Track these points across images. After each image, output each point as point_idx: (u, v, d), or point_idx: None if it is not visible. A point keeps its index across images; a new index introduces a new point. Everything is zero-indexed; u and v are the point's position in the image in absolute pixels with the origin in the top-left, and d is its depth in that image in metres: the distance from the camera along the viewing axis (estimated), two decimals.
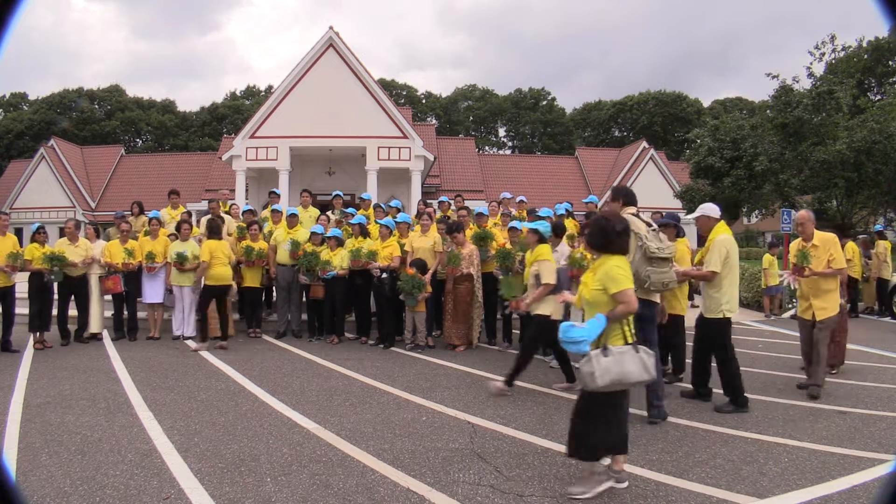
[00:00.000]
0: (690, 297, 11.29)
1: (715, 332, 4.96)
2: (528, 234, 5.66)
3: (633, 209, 4.56)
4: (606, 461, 3.32)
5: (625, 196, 4.65)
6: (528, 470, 3.53)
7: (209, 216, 8.38)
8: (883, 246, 11.14)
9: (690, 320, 9.24)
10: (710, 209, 5.20)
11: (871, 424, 4.48)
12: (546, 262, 5.27)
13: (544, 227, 5.56)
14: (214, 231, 7.55)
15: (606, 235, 3.29)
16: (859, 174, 14.08)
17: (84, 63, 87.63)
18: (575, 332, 3.06)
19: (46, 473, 3.43)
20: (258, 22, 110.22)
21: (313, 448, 3.88)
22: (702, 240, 7.49)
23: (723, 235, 4.97)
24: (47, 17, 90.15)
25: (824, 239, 5.51)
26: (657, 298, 4.59)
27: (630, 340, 3.17)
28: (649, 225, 4.46)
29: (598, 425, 3.16)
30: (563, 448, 3.86)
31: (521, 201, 10.02)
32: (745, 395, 4.87)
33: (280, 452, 3.79)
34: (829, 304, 5.44)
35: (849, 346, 7.98)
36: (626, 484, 3.28)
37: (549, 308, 5.19)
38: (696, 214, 5.29)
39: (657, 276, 4.27)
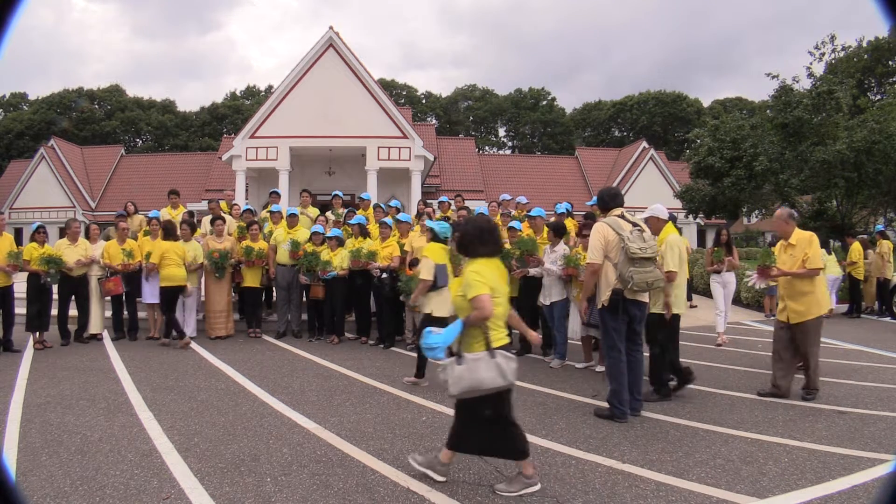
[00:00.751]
0: (689, 297, 11.36)
1: (660, 326, 5.09)
2: (426, 232, 5.73)
3: (618, 211, 4.65)
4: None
5: (600, 202, 4.79)
6: None
7: (165, 217, 8.45)
8: (886, 245, 11.16)
9: (689, 321, 9.28)
10: (660, 210, 5.31)
11: (871, 424, 4.47)
12: (426, 259, 5.31)
13: (440, 226, 5.58)
14: (169, 232, 7.59)
15: (466, 240, 3.28)
16: (859, 174, 14.07)
17: (84, 63, 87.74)
18: (431, 338, 3.05)
19: (46, 473, 3.43)
20: (259, 21, 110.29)
21: (313, 448, 3.88)
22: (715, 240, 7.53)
23: (673, 235, 5.12)
24: (48, 17, 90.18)
25: (800, 238, 5.21)
26: (645, 298, 4.63)
27: (492, 346, 3.09)
28: (636, 225, 4.52)
29: (473, 429, 3.19)
30: (563, 448, 3.88)
31: (520, 203, 9.89)
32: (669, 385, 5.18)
33: (280, 452, 3.79)
34: (804, 308, 5.13)
35: (849, 346, 8.02)
36: (537, 486, 3.18)
37: (430, 307, 5.31)
38: (645, 215, 5.36)
39: (640, 276, 4.34)
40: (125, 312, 8.01)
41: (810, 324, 5.15)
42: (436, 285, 5.24)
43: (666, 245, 5.03)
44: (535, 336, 3.77)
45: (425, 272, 5.25)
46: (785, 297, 5.32)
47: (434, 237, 5.56)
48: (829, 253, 11.50)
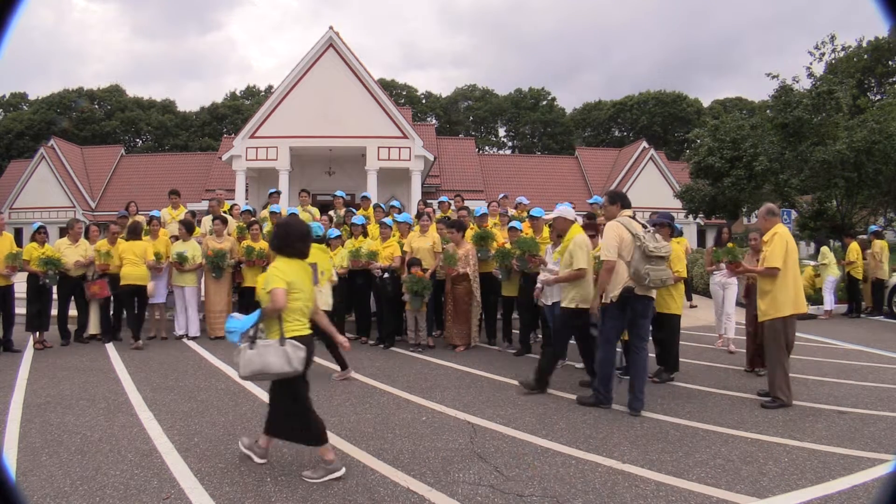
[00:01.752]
0: (689, 297, 11.36)
1: (570, 321, 5.19)
2: None
3: (629, 212, 4.86)
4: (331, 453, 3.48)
5: (622, 199, 4.97)
6: (528, 470, 3.53)
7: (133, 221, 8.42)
8: (879, 245, 11.16)
9: (689, 321, 9.29)
10: (567, 211, 5.44)
11: (871, 424, 4.47)
12: None
13: (315, 227, 5.95)
14: (132, 232, 7.67)
15: (275, 240, 3.64)
16: (859, 174, 14.08)
17: (85, 63, 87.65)
18: (231, 323, 3.43)
19: (46, 473, 3.43)
20: (259, 21, 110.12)
21: (313, 448, 3.88)
22: (714, 241, 7.58)
23: (581, 235, 5.22)
24: (48, 17, 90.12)
25: (770, 234, 5.11)
26: (653, 294, 4.79)
27: (285, 336, 3.36)
28: (644, 227, 4.74)
29: (281, 412, 3.52)
30: (563, 448, 3.88)
31: (521, 203, 9.76)
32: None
33: (280, 452, 3.79)
34: (765, 307, 5.06)
35: (849, 346, 8.02)
36: (341, 472, 3.41)
37: None
38: (553, 215, 5.55)
39: (655, 273, 4.53)
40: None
41: (768, 325, 5.08)
42: None
43: (574, 244, 5.14)
44: (343, 340, 3.93)
45: None
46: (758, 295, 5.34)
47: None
48: (830, 251, 11.50)
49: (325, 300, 5.90)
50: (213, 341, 7.73)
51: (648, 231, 4.69)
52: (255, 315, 3.40)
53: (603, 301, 4.82)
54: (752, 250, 6.27)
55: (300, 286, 3.49)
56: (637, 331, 4.80)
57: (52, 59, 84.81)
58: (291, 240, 3.58)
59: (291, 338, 3.36)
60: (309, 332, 3.54)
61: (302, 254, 3.60)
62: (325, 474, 3.37)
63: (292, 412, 3.48)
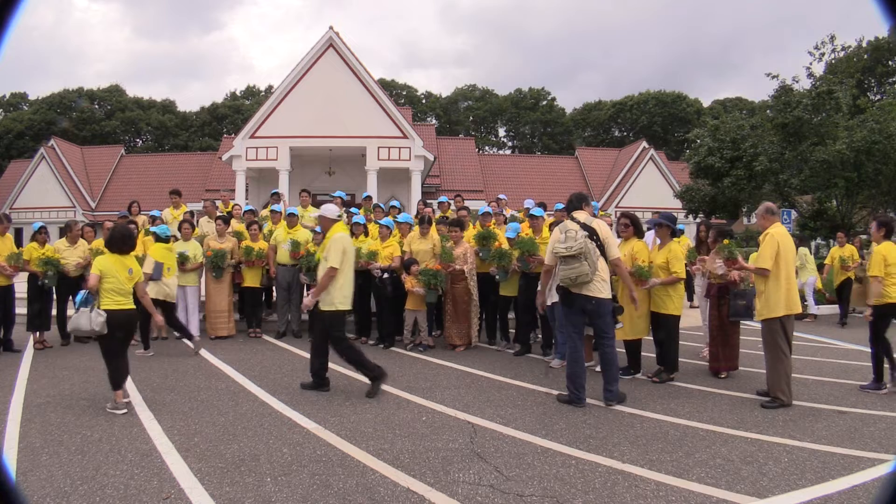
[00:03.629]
0: (690, 298, 11.34)
1: (331, 323, 5.24)
2: (152, 235, 7.31)
3: (583, 213, 5.04)
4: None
5: (581, 201, 5.19)
6: (528, 470, 3.53)
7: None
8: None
9: (689, 321, 9.28)
10: (328, 210, 5.60)
11: (871, 424, 4.48)
12: (148, 256, 6.82)
13: (161, 229, 7.17)
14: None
15: (107, 240, 4.97)
16: (859, 174, 14.09)
17: (85, 63, 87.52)
18: (78, 295, 4.71)
19: (46, 473, 3.43)
20: (260, 21, 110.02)
21: (313, 448, 3.88)
22: (700, 242, 7.56)
23: (340, 234, 5.26)
24: (49, 17, 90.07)
25: (763, 234, 5.12)
26: (591, 291, 4.90)
27: (95, 307, 4.58)
28: (584, 225, 4.87)
29: (107, 363, 4.70)
30: (563, 448, 3.88)
31: (528, 208, 9.44)
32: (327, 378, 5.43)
33: (280, 452, 3.79)
34: (760, 307, 5.07)
35: (849, 346, 8.01)
36: (124, 411, 4.59)
37: (151, 291, 6.53)
38: (317, 213, 5.79)
39: (563, 272, 4.81)
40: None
41: (764, 325, 5.10)
42: (153, 277, 6.70)
43: (331, 242, 5.19)
44: (159, 319, 5.64)
45: (146, 267, 6.56)
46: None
47: (157, 238, 7.12)
48: (810, 253, 11.33)
49: (171, 291, 6.99)
50: (214, 341, 7.73)
51: (574, 230, 4.79)
52: (84, 291, 4.70)
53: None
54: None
55: (113, 274, 4.68)
56: (597, 328, 5.02)
57: (52, 59, 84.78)
58: (114, 241, 4.82)
59: (105, 310, 4.58)
60: (122, 307, 4.69)
61: (121, 251, 4.80)
62: (114, 408, 4.59)
63: (115, 364, 4.69)
